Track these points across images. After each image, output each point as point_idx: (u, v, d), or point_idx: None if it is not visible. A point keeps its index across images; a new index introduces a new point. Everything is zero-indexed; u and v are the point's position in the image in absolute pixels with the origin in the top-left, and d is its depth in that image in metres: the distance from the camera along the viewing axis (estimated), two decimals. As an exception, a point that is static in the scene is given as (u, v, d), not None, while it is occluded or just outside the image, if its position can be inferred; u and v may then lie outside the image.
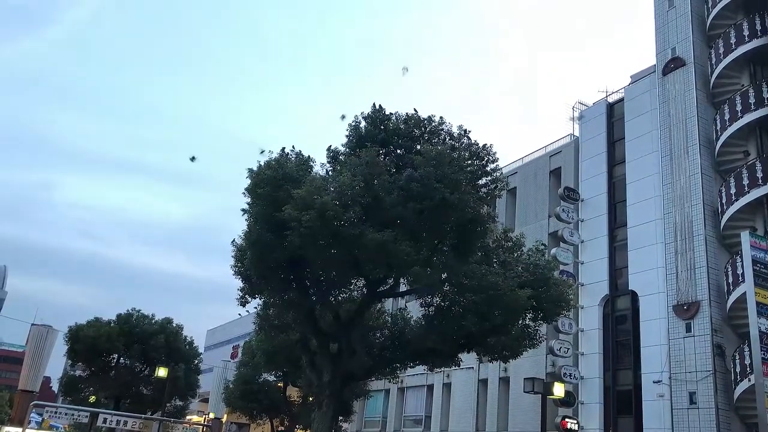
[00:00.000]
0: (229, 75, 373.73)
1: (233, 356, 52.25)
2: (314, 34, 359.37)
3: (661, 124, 24.48)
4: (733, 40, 22.84)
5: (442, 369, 26.06)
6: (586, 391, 24.77)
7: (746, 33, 22.57)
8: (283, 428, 34.23)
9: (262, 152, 16.15)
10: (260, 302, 18.67)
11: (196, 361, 40.75)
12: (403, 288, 18.76)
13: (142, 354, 36.75)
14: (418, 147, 16.00)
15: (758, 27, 22.49)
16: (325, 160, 17.12)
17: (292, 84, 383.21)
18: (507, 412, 27.97)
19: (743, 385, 19.35)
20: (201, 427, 37.15)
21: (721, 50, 23.17)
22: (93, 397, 38.81)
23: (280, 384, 32.76)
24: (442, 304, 17.56)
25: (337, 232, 14.16)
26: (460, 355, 19.24)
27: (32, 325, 36.29)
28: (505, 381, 28.58)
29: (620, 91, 27.86)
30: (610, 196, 26.60)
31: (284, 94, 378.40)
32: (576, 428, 23.93)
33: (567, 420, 23.71)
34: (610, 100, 28.17)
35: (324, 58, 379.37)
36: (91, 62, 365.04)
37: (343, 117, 17.06)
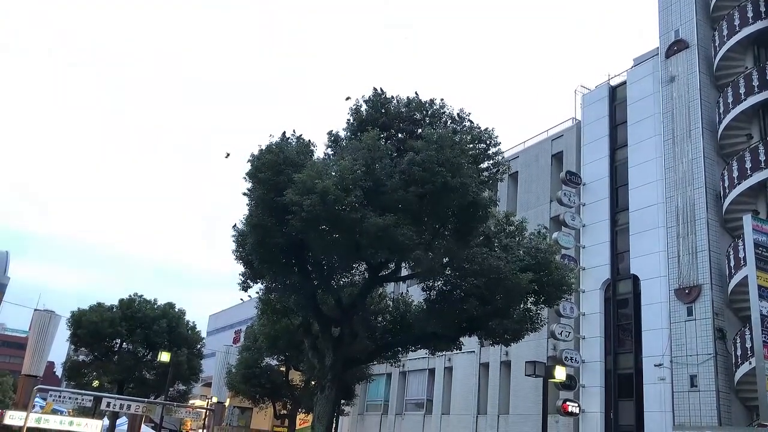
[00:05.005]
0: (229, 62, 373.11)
1: (235, 341, 52.45)
2: (309, 24, 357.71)
3: (663, 108, 24.35)
4: (737, 22, 22.63)
5: (444, 353, 26.14)
6: (588, 374, 24.87)
7: (750, 15, 22.36)
8: (285, 412, 34.45)
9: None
10: (262, 287, 18.68)
11: (199, 346, 40.95)
12: (404, 272, 18.77)
13: (145, 339, 36.90)
14: (420, 131, 15.93)
15: (762, 9, 22.26)
16: (325, 144, 17.08)
17: (291, 75, 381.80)
18: (508, 396, 28.10)
19: (744, 368, 19.42)
20: (204, 411, 37.35)
21: (725, 32, 22.96)
22: (96, 381, 39.07)
23: (283, 368, 32.92)
24: (444, 288, 17.55)
25: (339, 217, 14.11)
26: (461, 338, 19.28)
27: (35, 310, 36.42)
28: (506, 365, 28.69)
29: (623, 74, 27.67)
30: (612, 180, 26.51)
31: (283, 81, 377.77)
32: (577, 411, 24.06)
33: (568, 403, 23.83)
34: (613, 83, 27.99)
35: (322, 48, 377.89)
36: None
37: (348, 98, 16.92)
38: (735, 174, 21.44)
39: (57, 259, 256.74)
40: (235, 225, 16.83)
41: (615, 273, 25.53)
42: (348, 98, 16.68)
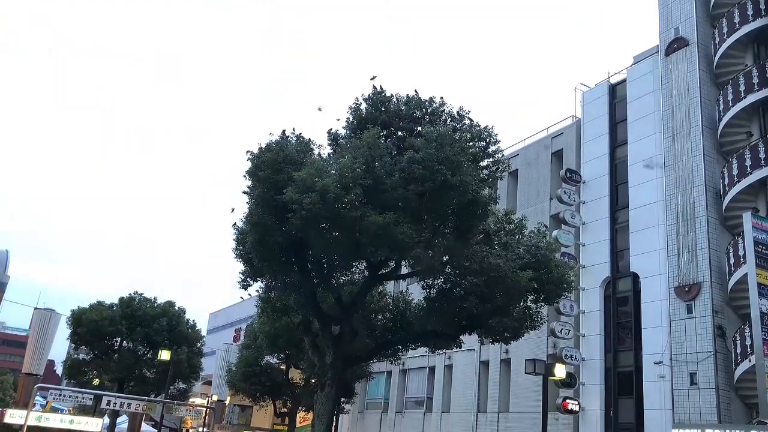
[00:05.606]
0: (230, 64, 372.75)
1: (236, 339, 52.46)
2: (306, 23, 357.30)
3: (663, 105, 24.34)
4: (737, 20, 22.62)
5: (444, 351, 26.18)
6: (587, 372, 24.89)
7: (750, 12, 22.35)
8: (285, 410, 34.47)
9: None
10: (262, 285, 18.70)
11: (199, 344, 40.93)
12: (404, 270, 18.78)
13: (145, 337, 36.87)
14: (420, 129, 15.93)
15: (762, 6, 22.24)
16: (325, 143, 17.08)
17: (291, 75, 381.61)
18: (508, 394, 28.14)
19: (744, 366, 19.43)
20: (204, 409, 37.38)
21: (725, 30, 22.95)
22: (97, 380, 39.05)
23: (283, 366, 32.94)
24: (444, 286, 17.58)
25: (338, 215, 14.11)
26: (461, 336, 19.30)
27: (35, 309, 36.33)
28: (506, 362, 28.72)
29: (623, 72, 27.66)
30: (611, 178, 26.52)
31: (282, 74, 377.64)
32: (577, 409, 24.09)
33: (568, 401, 23.87)
34: (613, 81, 27.97)
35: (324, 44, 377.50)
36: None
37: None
38: (735, 172, 21.44)
39: (57, 259, 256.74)
40: (235, 224, 16.86)
41: (615, 271, 25.54)
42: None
